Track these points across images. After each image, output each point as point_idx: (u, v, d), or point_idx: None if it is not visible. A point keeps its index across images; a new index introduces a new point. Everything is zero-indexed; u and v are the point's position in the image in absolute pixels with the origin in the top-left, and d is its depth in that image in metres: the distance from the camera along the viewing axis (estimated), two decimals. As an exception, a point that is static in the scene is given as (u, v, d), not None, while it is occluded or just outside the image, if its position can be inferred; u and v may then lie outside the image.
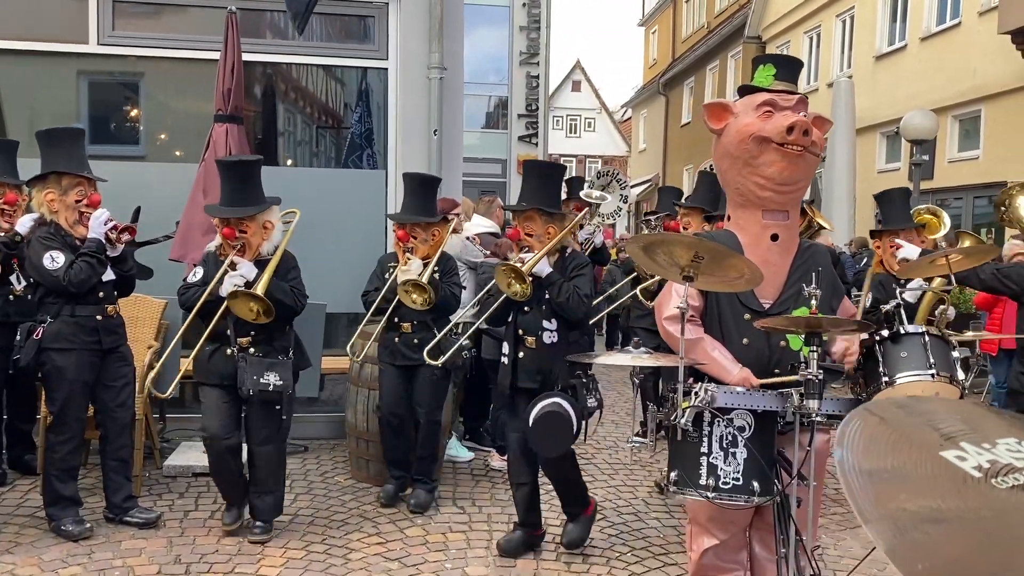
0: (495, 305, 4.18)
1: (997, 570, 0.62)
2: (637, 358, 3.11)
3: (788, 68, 3.37)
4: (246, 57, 5.48)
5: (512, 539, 4.22)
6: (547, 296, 3.96)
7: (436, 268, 4.72)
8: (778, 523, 3.06)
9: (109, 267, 4.16)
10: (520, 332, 4.07)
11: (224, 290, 4.05)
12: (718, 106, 3.33)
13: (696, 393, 2.85)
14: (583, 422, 3.88)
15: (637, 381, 3.22)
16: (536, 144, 17.99)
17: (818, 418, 2.83)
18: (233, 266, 4.13)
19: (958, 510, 0.67)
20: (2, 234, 4.50)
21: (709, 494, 2.89)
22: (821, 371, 2.74)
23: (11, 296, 4.51)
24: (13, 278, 4.13)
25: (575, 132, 40.22)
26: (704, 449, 2.91)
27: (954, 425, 0.83)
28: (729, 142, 3.25)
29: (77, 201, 4.14)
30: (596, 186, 7.14)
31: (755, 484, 2.89)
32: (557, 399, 3.80)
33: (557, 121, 36.73)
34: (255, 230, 4.16)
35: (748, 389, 2.95)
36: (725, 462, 2.90)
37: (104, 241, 4.09)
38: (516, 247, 4.40)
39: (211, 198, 4.86)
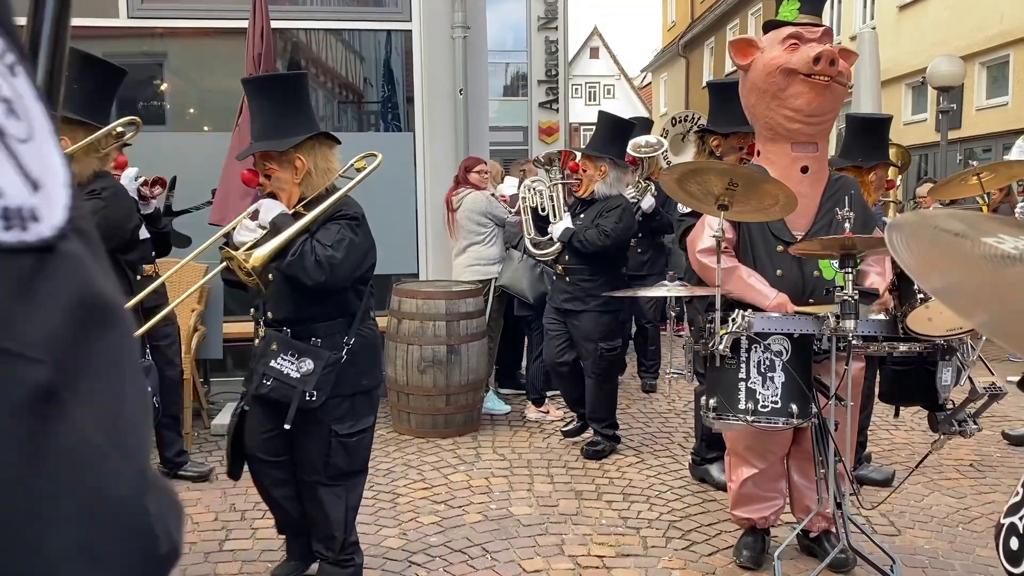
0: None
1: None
2: (672, 290, 3.19)
3: (812, 2, 3.40)
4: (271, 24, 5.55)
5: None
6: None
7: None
8: (816, 446, 3.14)
9: (144, 226, 4.29)
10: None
11: (237, 238, 2.93)
12: (744, 42, 3.38)
13: (733, 320, 2.93)
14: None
15: (673, 315, 3.30)
16: (557, 110, 17.87)
17: (854, 340, 2.90)
18: (253, 216, 2.94)
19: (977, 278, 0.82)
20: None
21: (748, 418, 2.96)
22: (856, 292, 2.81)
23: None
24: None
25: (595, 100, 39.97)
26: (742, 375, 2.98)
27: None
28: (756, 76, 3.29)
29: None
30: (671, 134, 6.29)
31: (793, 407, 2.96)
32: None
33: (576, 89, 36.50)
34: (283, 171, 3.02)
35: (784, 315, 3.02)
36: (763, 386, 2.97)
37: (139, 199, 4.22)
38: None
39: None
